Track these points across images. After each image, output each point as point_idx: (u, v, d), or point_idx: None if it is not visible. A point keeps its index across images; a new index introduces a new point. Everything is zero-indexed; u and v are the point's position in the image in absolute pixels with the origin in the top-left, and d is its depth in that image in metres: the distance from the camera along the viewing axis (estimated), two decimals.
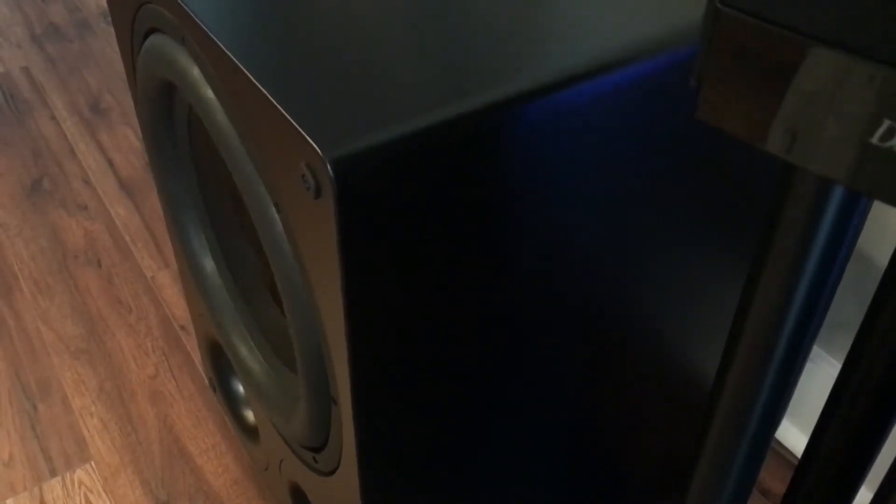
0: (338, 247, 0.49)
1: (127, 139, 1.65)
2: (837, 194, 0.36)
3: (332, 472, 0.69)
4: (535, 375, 0.68)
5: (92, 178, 1.56)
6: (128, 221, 1.46)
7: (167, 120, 0.77)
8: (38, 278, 1.36)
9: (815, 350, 1.01)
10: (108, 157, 1.61)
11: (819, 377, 1.00)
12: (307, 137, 0.47)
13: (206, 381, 1.18)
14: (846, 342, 0.96)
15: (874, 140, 0.25)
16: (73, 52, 1.92)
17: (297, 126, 0.48)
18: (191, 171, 0.80)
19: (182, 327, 1.27)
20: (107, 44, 1.94)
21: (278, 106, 0.50)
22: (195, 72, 0.62)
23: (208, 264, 0.84)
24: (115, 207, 1.49)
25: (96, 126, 1.69)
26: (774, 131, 0.30)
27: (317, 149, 0.46)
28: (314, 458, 0.73)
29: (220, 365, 1.00)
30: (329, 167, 0.46)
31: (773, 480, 1.04)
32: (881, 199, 0.26)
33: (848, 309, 0.95)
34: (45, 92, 1.79)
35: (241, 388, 1.00)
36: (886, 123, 0.24)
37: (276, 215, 0.57)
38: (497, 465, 0.73)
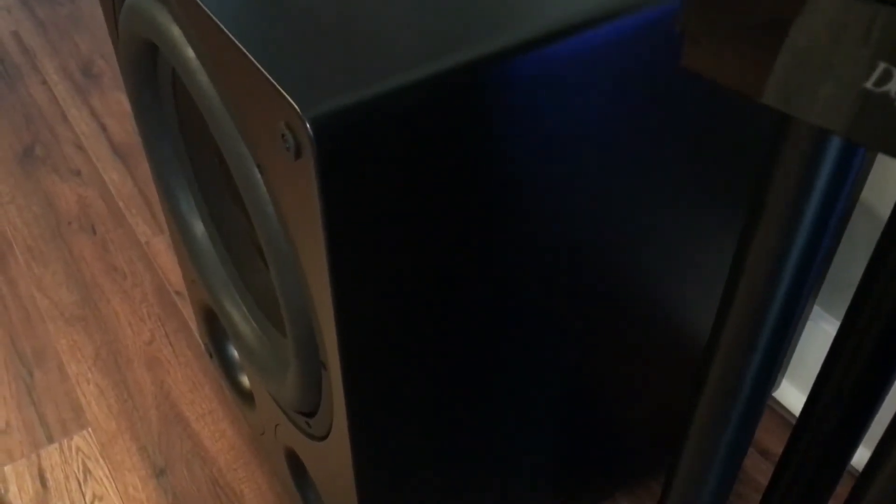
0: (320, 208, 0.47)
1: (119, 103, 1.63)
2: (834, 145, 0.34)
3: (324, 437, 0.69)
4: (526, 333, 0.67)
5: (85, 144, 1.54)
6: (121, 187, 1.45)
7: (151, 81, 0.75)
8: (32, 245, 1.35)
9: (817, 310, 1.00)
10: (101, 122, 1.59)
11: (821, 338, 0.99)
12: (286, 95, 0.45)
13: (202, 347, 1.18)
14: None
15: (869, 85, 0.23)
16: (63, 16, 1.89)
17: (276, 84, 0.46)
18: (177, 133, 0.79)
19: (177, 293, 1.26)
20: (97, 7, 1.91)
21: (257, 64, 0.48)
22: (175, 31, 0.60)
23: (198, 228, 0.82)
24: (108, 173, 1.48)
25: (88, 90, 1.66)
26: (756, 75, 0.28)
27: (296, 107, 0.45)
28: (307, 422, 0.72)
29: (216, 331, 0.99)
30: (308, 126, 0.44)
31: (772, 440, 1.04)
32: (877, 149, 0.25)
33: (855, 270, 0.94)
34: (35, 56, 1.76)
35: (236, 354, 1.00)
36: (882, 66, 0.22)
37: (259, 177, 0.55)
38: (489, 424, 0.72)
